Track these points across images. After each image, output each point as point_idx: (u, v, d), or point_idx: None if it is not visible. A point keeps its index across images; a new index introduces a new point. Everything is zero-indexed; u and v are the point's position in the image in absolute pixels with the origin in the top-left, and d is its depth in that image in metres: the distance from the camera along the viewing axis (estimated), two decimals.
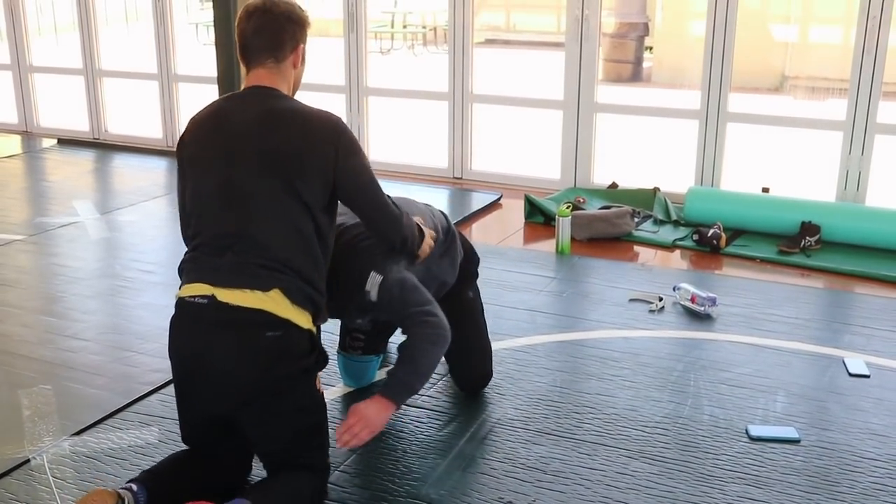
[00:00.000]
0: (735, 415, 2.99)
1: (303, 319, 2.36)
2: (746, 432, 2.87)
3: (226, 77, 6.54)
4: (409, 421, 2.94)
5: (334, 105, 6.49)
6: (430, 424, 2.93)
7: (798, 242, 4.70)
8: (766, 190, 5.30)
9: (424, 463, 2.72)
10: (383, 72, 6.64)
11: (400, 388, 2.55)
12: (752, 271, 4.49)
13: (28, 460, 2.73)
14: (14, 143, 7.44)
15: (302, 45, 2.53)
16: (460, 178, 6.27)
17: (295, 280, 2.34)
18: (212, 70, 6.00)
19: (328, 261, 2.48)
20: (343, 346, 3.15)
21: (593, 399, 3.10)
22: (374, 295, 2.57)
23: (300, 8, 2.53)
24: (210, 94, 6.61)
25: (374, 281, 2.57)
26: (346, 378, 3.18)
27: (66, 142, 7.36)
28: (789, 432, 2.87)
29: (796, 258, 4.60)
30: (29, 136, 7.73)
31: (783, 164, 6.71)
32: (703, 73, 5.34)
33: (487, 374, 3.17)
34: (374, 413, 2.48)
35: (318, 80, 6.87)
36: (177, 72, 7.15)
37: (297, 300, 2.34)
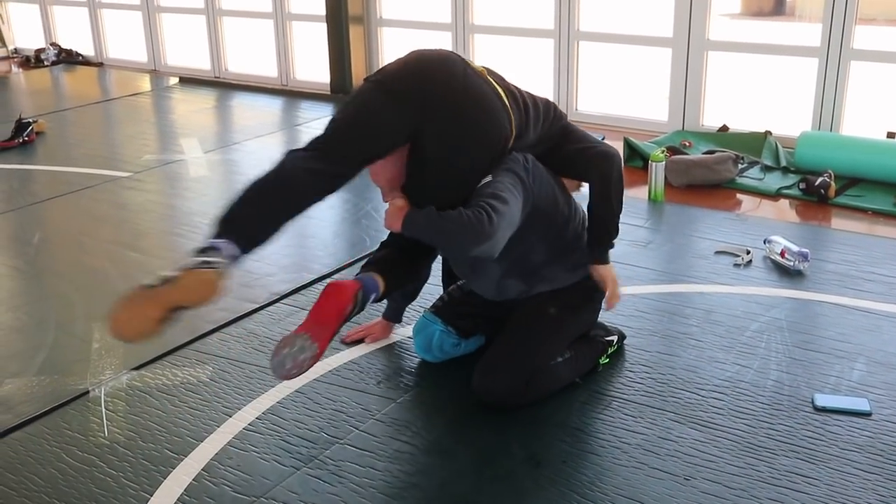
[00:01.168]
0: (803, 382, 2.77)
1: None
2: (812, 402, 2.66)
3: (334, 15, 6.58)
4: (446, 372, 2.88)
5: (442, 42, 6.40)
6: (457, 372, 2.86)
7: None
8: (891, 135, 4.86)
9: (450, 416, 2.67)
10: (489, 8, 6.45)
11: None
12: (862, 224, 4.15)
13: (87, 392, 2.86)
14: (140, 81, 7.74)
15: None
16: None
17: None
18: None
19: None
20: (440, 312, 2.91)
21: (651, 357, 2.95)
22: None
23: None
24: (321, 31, 6.66)
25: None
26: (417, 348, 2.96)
27: (188, 80, 7.60)
28: (860, 404, 2.64)
29: None
30: (156, 74, 8.03)
31: None
32: (823, 4, 4.89)
33: (493, 393, 2.66)
34: None
35: (425, 17, 6.79)
36: (290, 10, 7.21)
37: None
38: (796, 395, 2.71)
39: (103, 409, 2.76)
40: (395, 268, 2.76)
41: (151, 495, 2.35)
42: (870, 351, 2.95)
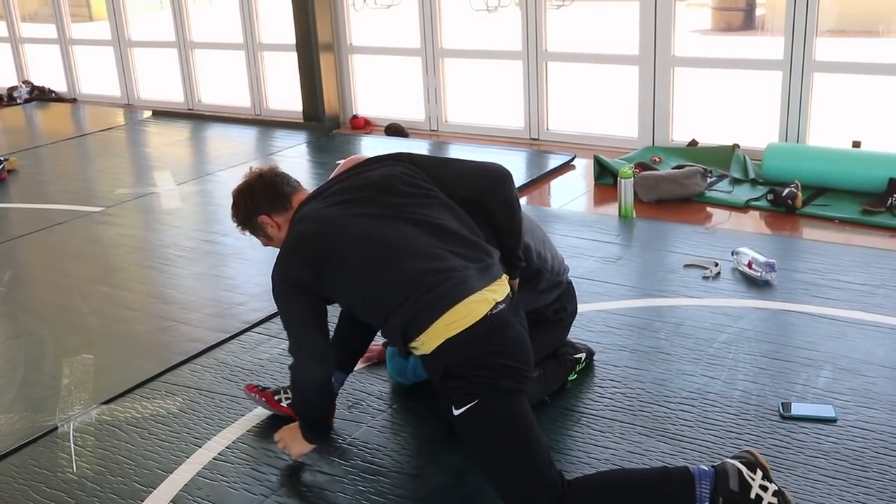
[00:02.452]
0: (770, 391, 2.79)
1: None
2: (779, 410, 2.68)
3: (304, 44, 6.61)
4: (417, 395, 2.89)
5: (409, 68, 6.45)
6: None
7: (885, 200, 4.35)
8: (856, 144, 4.92)
9: (421, 438, 2.67)
10: (459, 33, 6.51)
11: None
12: (829, 233, 4.19)
13: (56, 428, 2.84)
14: (114, 116, 7.75)
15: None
16: (537, 139, 6.13)
17: None
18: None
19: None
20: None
21: (620, 372, 2.96)
22: None
23: None
24: (292, 60, 6.69)
25: None
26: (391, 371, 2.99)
27: (161, 113, 7.61)
28: (826, 410, 2.66)
29: (881, 218, 4.26)
30: (130, 108, 8.05)
31: (880, 117, 6.21)
32: (785, 17, 4.96)
33: None
34: None
35: (394, 44, 6.84)
36: (261, 40, 7.25)
37: None
38: (763, 405, 2.72)
39: (72, 445, 2.75)
40: (355, 352, 2.78)
41: None
42: (836, 358, 2.97)
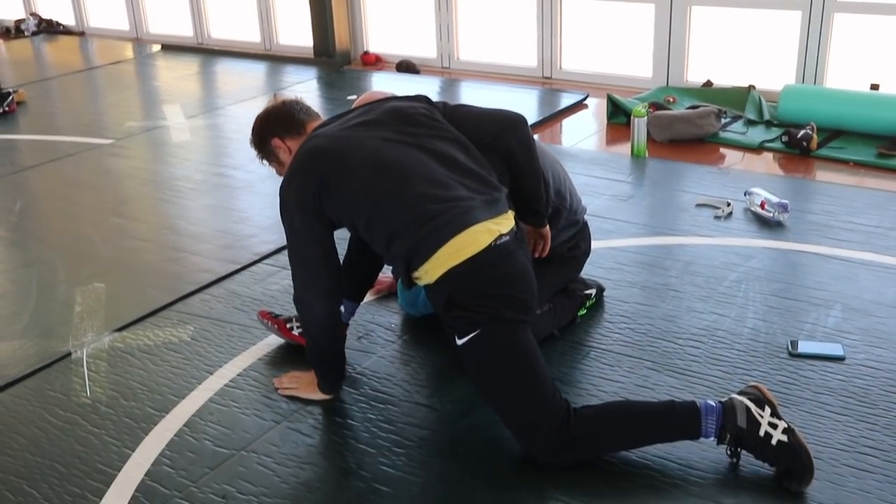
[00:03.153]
0: (779, 329, 2.80)
1: None
2: (787, 348, 2.69)
3: None
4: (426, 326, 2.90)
5: (422, 3, 6.35)
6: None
7: None
8: (875, 87, 4.85)
9: (430, 368, 2.69)
10: None
11: None
12: (843, 175, 4.16)
13: (70, 354, 2.88)
14: (122, 50, 7.68)
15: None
16: (549, 78, 6.06)
17: None
18: None
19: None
20: None
21: (629, 308, 2.97)
22: None
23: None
24: None
25: None
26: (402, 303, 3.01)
27: (170, 47, 7.54)
28: (834, 349, 2.67)
29: None
30: (139, 42, 7.97)
31: None
32: None
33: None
34: None
35: None
36: None
37: None
38: (772, 342, 2.73)
39: (85, 370, 2.78)
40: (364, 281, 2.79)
41: (133, 451, 2.37)
42: (846, 298, 2.97)
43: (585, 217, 2.94)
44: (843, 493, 2.10)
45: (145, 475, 2.27)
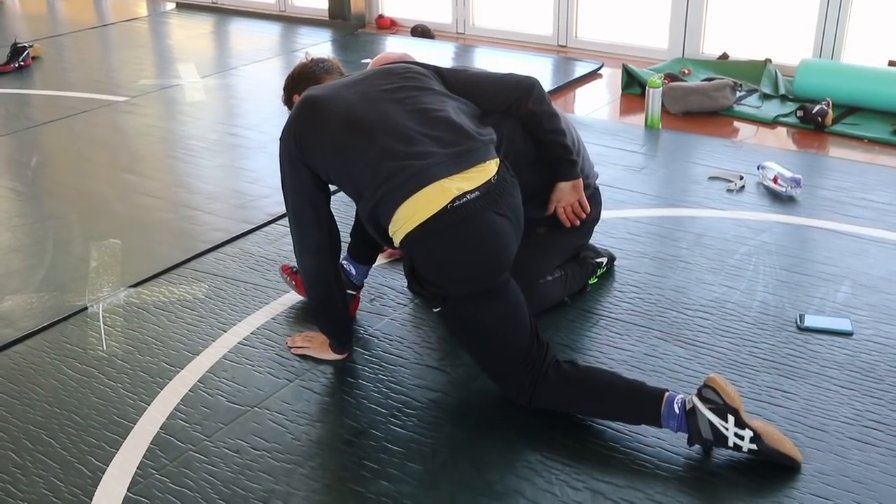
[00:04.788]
0: (788, 303, 2.82)
1: None
2: (796, 322, 2.71)
3: None
4: None
5: None
6: None
7: None
8: (893, 64, 4.83)
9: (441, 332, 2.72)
10: None
11: None
12: (857, 152, 4.15)
13: (86, 308, 2.91)
14: (136, 7, 7.66)
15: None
16: (565, 47, 6.03)
17: None
18: None
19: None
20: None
21: (640, 278, 2.99)
22: None
23: None
24: None
25: None
26: None
27: (185, 6, 7.51)
28: (842, 324, 2.69)
29: None
30: None
31: None
32: None
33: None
34: None
35: None
36: None
37: None
38: (780, 316, 2.75)
39: (101, 324, 2.82)
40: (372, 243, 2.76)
41: (149, 404, 2.41)
42: (855, 274, 2.99)
43: (597, 183, 2.95)
44: (848, 464, 2.13)
45: (160, 428, 2.32)
